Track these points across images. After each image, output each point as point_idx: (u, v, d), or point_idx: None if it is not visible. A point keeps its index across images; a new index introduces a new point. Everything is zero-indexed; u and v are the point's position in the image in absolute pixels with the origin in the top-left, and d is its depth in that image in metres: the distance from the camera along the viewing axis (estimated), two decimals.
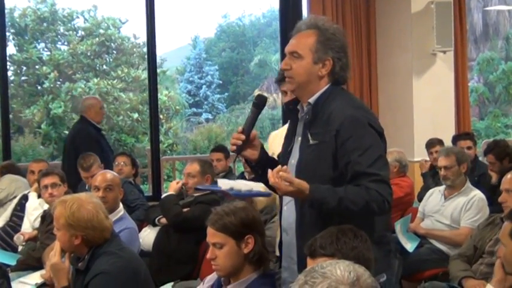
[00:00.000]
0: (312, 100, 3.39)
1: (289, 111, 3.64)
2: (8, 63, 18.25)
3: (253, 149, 3.51)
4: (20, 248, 6.22)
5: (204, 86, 27.09)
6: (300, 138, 3.46)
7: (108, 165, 7.29)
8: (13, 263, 5.78)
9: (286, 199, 3.50)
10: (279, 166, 3.18)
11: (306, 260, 3.17)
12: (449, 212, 6.13)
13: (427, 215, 6.41)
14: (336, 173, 3.29)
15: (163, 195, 6.22)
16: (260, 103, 3.49)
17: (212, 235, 3.40)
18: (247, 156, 3.53)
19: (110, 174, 5.29)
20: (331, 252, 2.90)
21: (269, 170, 3.16)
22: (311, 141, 3.36)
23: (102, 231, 3.88)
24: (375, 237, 3.30)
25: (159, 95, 18.39)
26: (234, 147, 3.46)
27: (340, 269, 2.10)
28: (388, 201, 3.25)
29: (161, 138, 18.33)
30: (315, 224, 3.32)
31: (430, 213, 6.36)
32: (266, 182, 3.55)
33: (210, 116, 26.40)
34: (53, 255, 4.00)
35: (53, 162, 14.36)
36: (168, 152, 18.73)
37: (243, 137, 3.43)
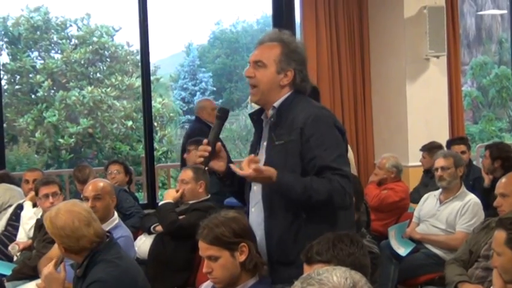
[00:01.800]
0: (276, 104, 3.56)
1: (254, 122, 3.77)
2: (2, 72, 18.28)
3: (219, 160, 3.63)
4: (15, 258, 6.21)
5: (198, 93, 27.03)
6: (265, 142, 3.62)
7: None
8: (8, 272, 5.76)
9: (254, 201, 3.63)
10: (251, 155, 3.37)
11: (276, 257, 3.45)
12: (444, 216, 6.15)
13: (423, 219, 6.42)
14: (302, 170, 3.44)
15: (160, 203, 6.21)
16: (223, 116, 3.63)
17: (205, 249, 3.41)
18: (214, 168, 3.64)
19: (100, 182, 5.25)
20: (327, 259, 2.91)
21: (244, 162, 3.32)
22: (276, 142, 3.52)
23: (78, 239, 3.86)
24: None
25: (153, 102, 18.48)
26: (202, 160, 3.54)
27: (337, 275, 2.11)
28: (350, 195, 3.48)
29: (155, 145, 18.30)
30: (282, 223, 3.48)
31: (426, 218, 6.38)
32: (235, 192, 3.85)
33: None
34: (48, 265, 4.01)
35: (48, 171, 14.40)
36: (163, 159, 18.69)
37: (209, 148, 3.53)
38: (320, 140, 3.44)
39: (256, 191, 3.61)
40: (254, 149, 3.71)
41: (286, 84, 3.58)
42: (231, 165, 3.43)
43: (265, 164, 3.47)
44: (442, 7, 8.44)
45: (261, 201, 3.58)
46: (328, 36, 8.79)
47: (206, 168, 3.63)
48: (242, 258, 3.37)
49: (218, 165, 3.63)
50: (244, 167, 3.30)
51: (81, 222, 3.89)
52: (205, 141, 3.55)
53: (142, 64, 8.91)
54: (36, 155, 17.84)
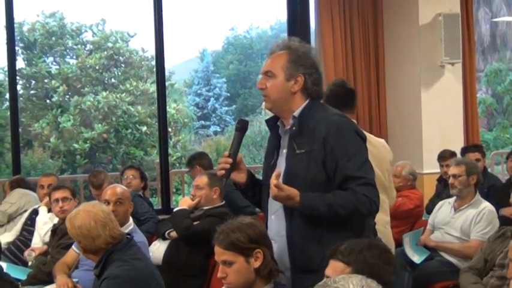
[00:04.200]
0: (296, 113, 3.57)
1: (270, 128, 3.79)
2: (17, 77, 18.36)
3: (240, 172, 3.67)
4: (30, 263, 6.23)
5: (212, 99, 27.09)
6: (285, 151, 3.62)
7: None
8: (23, 277, 5.76)
9: (273, 208, 3.62)
10: (277, 170, 3.38)
11: (299, 266, 3.46)
12: (459, 224, 6.12)
13: (437, 227, 6.39)
14: (325, 178, 3.46)
15: (175, 209, 6.22)
16: (242, 127, 3.66)
17: (220, 254, 3.41)
18: (235, 179, 3.67)
19: (119, 188, 5.30)
20: (348, 261, 2.94)
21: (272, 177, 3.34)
22: (297, 151, 3.52)
23: (94, 239, 3.99)
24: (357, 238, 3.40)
25: (167, 108, 18.53)
26: (223, 172, 3.57)
27: (353, 283, 2.11)
28: (376, 202, 3.47)
29: (170, 151, 18.32)
30: (304, 229, 3.48)
31: (440, 225, 6.35)
32: (256, 203, 3.84)
33: (218, 129, 26.39)
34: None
35: (62, 176, 14.45)
36: (177, 164, 18.71)
37: (230, 160, 3.57)
38: (344, 149, 3.46)
39: None
40: (271, 156, 3.72)
41: (298, 90, 3.59)
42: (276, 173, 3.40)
43: (286, 172, 3.51)
44: (457, 14, 8.41)
45: (281, 208, 3.57)
46: (343, 42, 8.79)
47: (227, 180, 3.65)
48: (257, 264, 3.36)
49: (239, 176, 3.67)
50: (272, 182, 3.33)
51: (97, 223, 4.02)
52: (226, 153, 3.59)
53: (158, 69, 8.91)
54: (51, 160, 17.91)
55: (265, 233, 3.50)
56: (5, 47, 8.19)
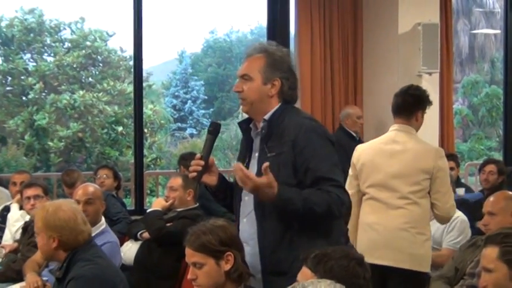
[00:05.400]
0: (267, 116, 3.60)
1: (242, 131, 3.80)
2: None
3: (211, 174, 3.67)
4: (0, 260, 6.18)
5: (189, 101, 27.05)
6: (257, 154, 3.64)
7: None
8: None
9: (245, 212, 3.66)
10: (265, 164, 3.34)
11: (270, 268, 3.49)
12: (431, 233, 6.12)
13: None
14: (296, 181, 3.48)
15: (148, 210, 6.20)
16: (214, 130, 3.67)
17: (191, 255, 3.41)
18: (206, 182, 3.67)
19: (91, 187, 5.29)
20: (314, 269, 2.90)
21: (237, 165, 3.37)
22: (268, 154, 3.54)
23: (77, 234, 3.97)
24: (332, 241, 3.47)
25: (144, 109, 18.46)
26: (195, 174, 3.57)
27: (321, 287, 2.11)
28: (346, 204, 3.55)
29: (145, 152, 18.26)
30: (275, 232, 3.51)
31: None
32: (228, 205, 3.85)
33: (194, 131, 26.35)
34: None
35: (36, 173, 14.35)
36: (152, 166, 18.66)
37: (202, 163, 3.57)
38: (314, 151, 3.49)
39: (247, 202, 3.63)
40: (243, 159, 3.73)
41: (274, 94, 3.62)
42: (239, 165, 3.39)
43: (258, 175, 3.48)
44: (437, 24, 8.44)
45: (253, 212, 3.59)
46: (322, 49, 8.79)
47: (198, 182, 3.64)
48: (227, 267, 3.36)
49: (210, 179, 3.66)
50: (247, 174, 3.33)
51: (81, 219, 4.03)
52: (198, 155, 3.59)
53: (135, 70, 8.86)
54: (24, 158, 17.76)
55: (236, 236, 3.50)
56: None
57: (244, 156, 3.73)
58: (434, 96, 8.57)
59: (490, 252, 3.56)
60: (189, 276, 3.44)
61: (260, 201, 3.48)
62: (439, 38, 8.44)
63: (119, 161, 17.78)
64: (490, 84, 24.62)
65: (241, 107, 3.75)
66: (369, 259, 5.17)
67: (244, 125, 3.77)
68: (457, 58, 25.00)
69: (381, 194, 5.13)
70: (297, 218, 3.46)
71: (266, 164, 3.31)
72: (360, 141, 8.17)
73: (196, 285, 3.43)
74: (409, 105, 5.20)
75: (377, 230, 5.11)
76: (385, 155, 5.17)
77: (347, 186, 5.19)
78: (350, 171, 5.36)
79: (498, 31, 24.40)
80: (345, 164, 7.85)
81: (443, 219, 5.32)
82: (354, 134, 8.27)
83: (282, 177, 3.45)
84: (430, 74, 8.43)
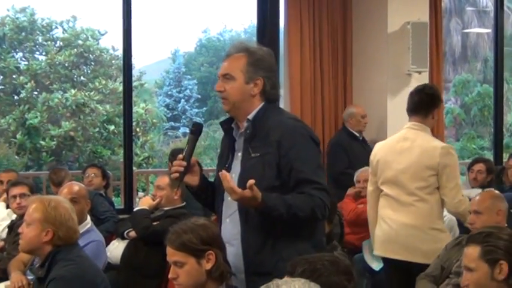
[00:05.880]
0: (250, 116, 3.58)
1: (224, 130, 3.79)
2: None
3: (193, 175, 3.65)
4: None
5: (182, 100, 27.03)
6: (240, 154, 3.63)
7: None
8: None
9: (228, 212, 3.64)
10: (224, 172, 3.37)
11: (253, 269, 3.50)
12: None
13: None
14: (279, 182, 3.48)
15: (135, 209, 6.20)
16: (197, 130, 3.65)
17: (172, 254, 3.39)
18: (188, 182, 3.66)
19: (76, 186, 5.27)
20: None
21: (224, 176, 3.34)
22: (252, 154, 3.53)
23: (73, 233, 3.98)
24: (314, 242, 3.55)
25: (136, 108, 18.47)
26: (177, 175, 3.55)
27: (295, 287, 2.10)
28: (329, 207, 3.54)
29: (137, 151, 18.26)
30: (259, 232, 3.51)
31: None
32: (209, 205, 3.87)
33: (187, 130, 26.34)
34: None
35: (26, 172, 14.34)
36: (144, 165, 18.65)
37: (184, 163, 3.55)
38: (298, 153, 3.48)
39: (230, 202, 3.60)
40: (225, 159, 3.72)
41: (257, 93, 3.61)
42: (226, 176, 3.36)
43: (241, 175, 3.52)
44: (426, 23, 8.43)
45: (236, 212, 3.59)
46: (311, 48, 8.76)
47: (180, 182, 3.63)
48: (208, 266, 3.34)
49: (192, 179, 3.65)
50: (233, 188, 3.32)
51: (76, 219, 4.06)
52: (180, 156, 3.57)
53: (125, 69, 8.83)
54: (16, 156, 17.74)
55: (218, 235, 3.47)
56: None
57: (226, 157, 3.71)
58: None
59: (472, 252, 3.57)
60: (170, 275, 3.42)
61: None
62: (428, 37, 8.43)
63: (111, 160, 17.77)
64: (482, 83, 24.64)
65: (223, 106, 3.72)
66: (385, 253, 5.31)
67: (226, 125, 3.76)
68: (450, 57, 25.02)
69: (392, 191, 5.27)
70: (281, 221, 3.46)
71: (251, 181, 3.28)
72: (364, 141, 8.17)
73: (177, 284, 3.41)
74: (426, 103, 5.28)
75: (390, 225, 5.26)
76: (396, 152, 5.30)
77: (367, 184, 5.57)
78: (370, 169, 5.54)
79: (490, 30, 24.41)
80: (342, 164, 7.96)
81: (454, 215, 5.61)
82: (357, 134, 8.22)
83: (267, 178, 3.46)
84: (419, 72, 8.42)
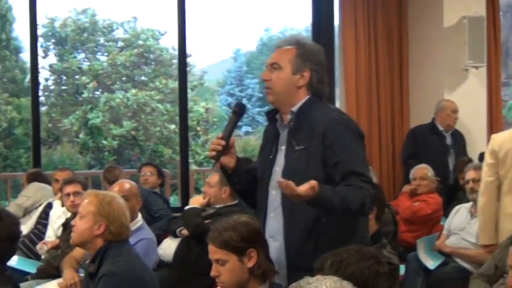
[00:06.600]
0: (294, 109, 3.53)
1: (269, 121, 3.75)
2: (49, 72, 18.59)
3: (230, 156, 3.61)
4: (43, 256, 6.26)
5: (244, 99, 27.07)
6: (283, 147, 3.57)
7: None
8: (33, 270, 5.80)
9: (272, 206, 3.58)
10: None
11: (295, 264, 3.44)
12: (475, 230, 6.03)
13: (453, 232, 6.32)
14: (324, 175, 3.41)
15: (186, 207, 6.21)
16: (239, 111, 3.65)
17: (213, 252, 3.39)
18: (224, 163, 3.62)
19: (127, 184, 5.30)
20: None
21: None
22: (296, 147, 3.48)
23: (124, 230, 4.01)
24: (358, 238, 3.46)
25: (196, 107, 18.57)
26: (214, 153, 3.54)
27: (327, 285, 2.08)
28: (372, 202, 3.50)
29: (198, 150, 18.35)
30: (302, 227, 3.47)
31: (456, 231, 6.28)
32: (240, 192, 3.85)
33: (250, 129, 26.38)
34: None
35: (88, 171, 14.55)
36: (205, 163, 18.73)
37: (223, 142, 3.54)
38: (343, 145, 3.43)
39: (275, 196, 3.57)
40: (268, 150, 3.68)
41: (303, 85, 3.57)
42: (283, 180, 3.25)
43: (285, 169, 3.49)
44: (483, 17, 8.30)
45: (280, 206, 3.55)
46: (367, 44, 8.71)
47: (217, 162, 3.60)
48: (250, 264, 3.32)
49: (228, 160, 3.62)
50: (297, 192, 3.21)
51: (129, 216, 4.11)
52: (220, 135, 3.57)
53: (180, 68, 8.95)
54: (79, 156, 18.00)
55: (260, 233, 3.45)
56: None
57: (270, 148, 3.67)
58: (481, 90, 8.49)
59: None
60: (212, 273, 3.42)
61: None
62: (485, 31, 8.30)
63: (172, 159, 17.88)
64: None
65: (268, 96, 3.67)
66: None
67: (271, 115, 3.72)
68: None
69: None
70: (325, 214, 3.41)
71: (314, 182, 3.20)
72: (443, 137, 8.02)
73: (219, 282, 3.42)
74: None
75: None
76: None
77: (484, 174, 5.43)
78: (489, 159, 5.42)
79: None
80: (406, 153, 7.94)
81: None
82: (441, 129, 8.08)
83: (311, 171, 3.40)
84: (476, 68, 8.30)
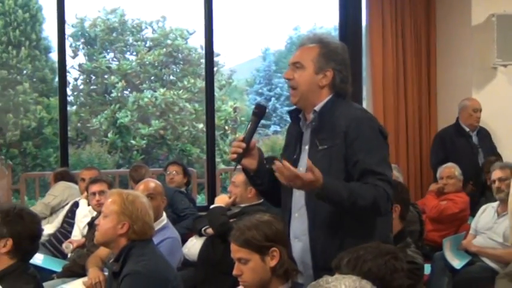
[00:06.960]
0: (317, 108, 3.50)
1: (292, 120, 3.71)
2: (78, 72, 18.68)
3: (251, 158, 3.59)
4: (69, 255, 6.30)
5: (273, 99, 27.04)
6: (307, 147, 3.55)
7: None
8: (59, 269, 5.84)
9: (296, 206, 3.57)
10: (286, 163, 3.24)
11: (321, 264, 3.38)
12: (502, 229, 6.00)
13: (480, 231, 6.28)
14: (346, 175, 3.40)
15: (211, 206, 6.22)
16: (260, 112, 3.59)
17: (236, 251, 3.38)
18: (246, 165, 3.60)
19: (152, 183, 5.32)
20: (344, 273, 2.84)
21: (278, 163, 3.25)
22: (320, 147, 3.45)
23: (148, 229, 4.01)
24: (382, 238, 3.39)
25: (224, 106, 18.56)
26: (235, 156, 3.52)
27: (346, 284, 2.07)
28: (391, 201, 3.42)
29: (226, 149, 18.32)
30: (326, 228, 3.44)
31: (483, 230, 6.24)
32: (264, 192, 3.83)
33: (278, 128, 26.35)
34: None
35: (117, 170, 14.61)
36: (233, 163, 18.69)
37: (243, 145, 3.51)
38: (364, 143, 3.41)
39: (299, 196, 3.56)
40: (292, 149, 3.66)
41: (326, 84, 3.54)
42: (279, 163, 3.27)
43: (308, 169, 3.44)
44: (511, 15, 8.23)
45: (304, 207, 3.54)
46: (394, 42, 8.68)
47: (238, 165, 3.59)
48: (273, 263, 3.32)
49: (250, 162, 3.59)
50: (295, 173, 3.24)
51: (152, 216, 4.10)
52: (240, 137, 3.55)
53: (206, 68, 9.01)
54: (108, 155, 18.08)
55: (282, 232, 3.43)
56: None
57: (294, 148, 3.65)
58: (510, 89, 8.41)
59: None
60: (234, 272, 3.42)
61: (311, 198, 3.42)
62: None
63: (200, 158, 17.90)
64: None
65: (290, 97, 3.64)
66: None
67: (294, 114, 3.70)
68: None
69: None
70: (348, 217, 3.40)
71: (311, 163, 3.22)
72: (469, 137, 7.95)
73: (242, 281, 3.42)
74: None
75: None
76: None
77: None
78: None
79: None
80: (436, 158, 7.88)
81: None
82: (467, 129, 8.01)
83: (333, 171, 3.39)
84: (505, 66, 8.24)
